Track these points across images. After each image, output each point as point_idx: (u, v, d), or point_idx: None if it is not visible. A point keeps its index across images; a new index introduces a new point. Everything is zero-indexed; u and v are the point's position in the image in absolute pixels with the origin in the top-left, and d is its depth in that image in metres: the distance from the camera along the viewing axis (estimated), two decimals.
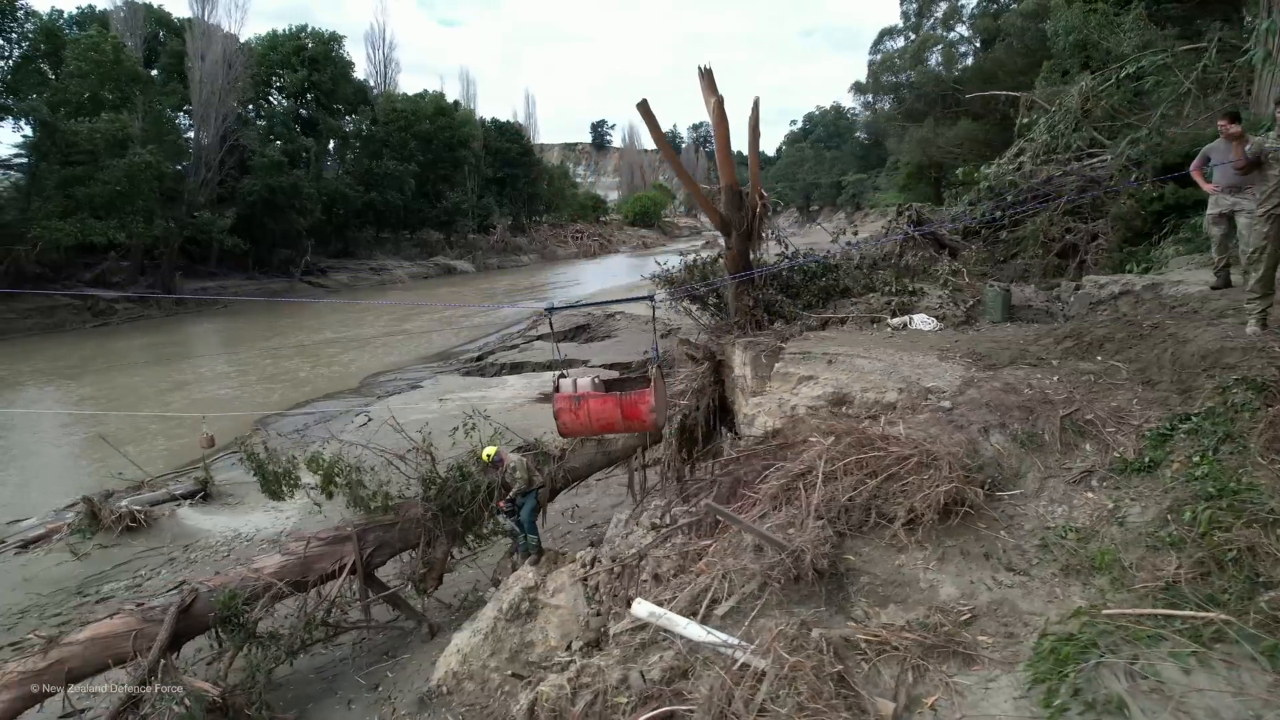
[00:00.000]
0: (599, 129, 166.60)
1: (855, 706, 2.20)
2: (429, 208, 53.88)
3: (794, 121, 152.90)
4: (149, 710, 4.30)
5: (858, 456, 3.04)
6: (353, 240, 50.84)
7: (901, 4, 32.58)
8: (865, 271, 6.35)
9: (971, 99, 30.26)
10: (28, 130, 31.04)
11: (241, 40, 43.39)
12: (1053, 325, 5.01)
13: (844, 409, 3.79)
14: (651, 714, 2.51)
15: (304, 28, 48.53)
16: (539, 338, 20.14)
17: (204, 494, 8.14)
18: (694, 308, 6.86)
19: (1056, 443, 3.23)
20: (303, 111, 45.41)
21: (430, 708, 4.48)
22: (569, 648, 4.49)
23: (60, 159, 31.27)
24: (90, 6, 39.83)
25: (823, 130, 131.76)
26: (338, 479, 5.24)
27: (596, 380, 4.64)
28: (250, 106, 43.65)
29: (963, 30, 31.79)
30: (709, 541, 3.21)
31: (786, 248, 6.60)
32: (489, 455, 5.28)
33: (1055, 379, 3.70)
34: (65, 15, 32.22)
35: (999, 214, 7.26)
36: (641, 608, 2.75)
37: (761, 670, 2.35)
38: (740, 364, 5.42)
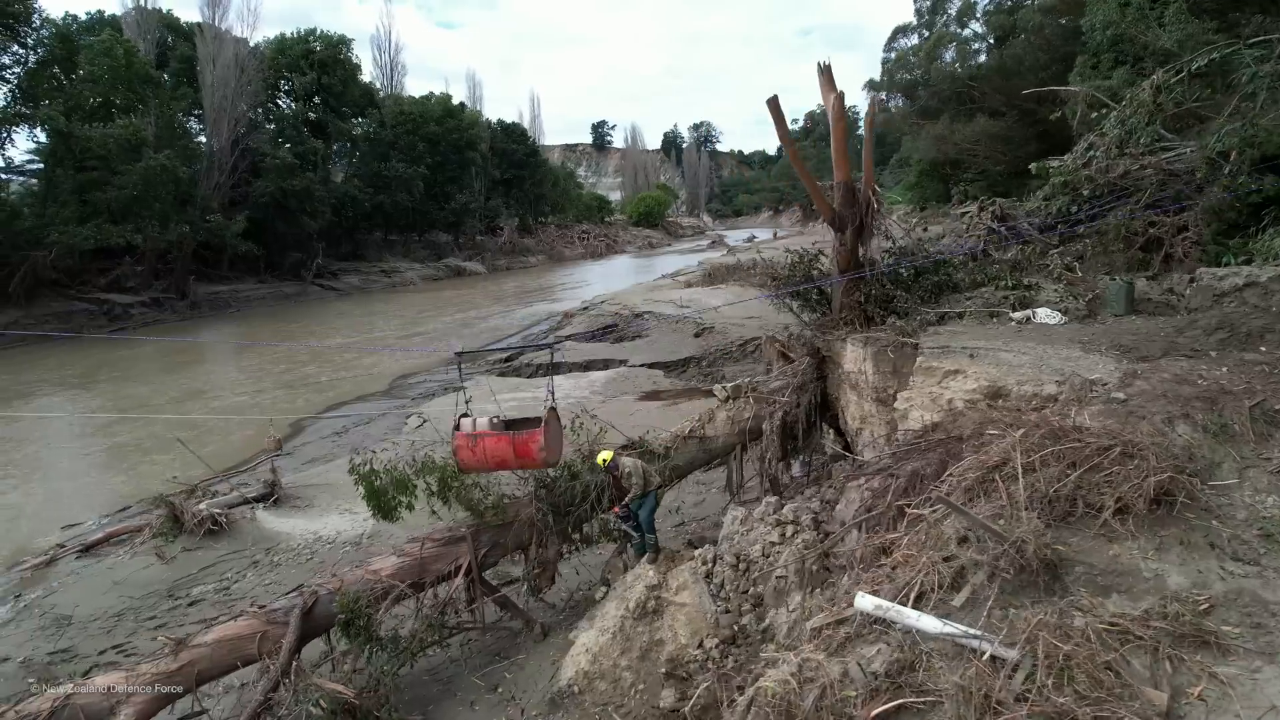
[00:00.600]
0: (599, 129, 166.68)
1: (1125, 696, 2.17)
2: (437, 210, 53.83)
3: (795, 120, 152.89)
4: (285, 712, 4.27)
5: (1054, 448, 3.01)
6: (362, 243, 50.78)
7: (915, 1, 32.60)
8: (974, 267, 6.30)
9: (984, 96, 30.27)
10: (42, 137, 31.02)
11: (251, 44, 43.38)
12: (1188, 318, 4.98)
13: (1000, 402, 3.77)
14: (885, 707, 2.48)
15: (313, 31, 48.50)
16: (568, 338, 20.09)
17: (274, 497, 8.09)
18: (795, 304, 6.80)
19: (1249, 433, 3.20)
20: (311, 115, 45.35)
21: (563, 707, 4.44)
22: (700, 645, 4.46)
23: (74, 164, 31.24)
24: (100, 11, 39.80)
25: (824, 129, 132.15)
26: (452, 483, 5.19)
27: (495, 420, 5.02)
28: (260, 110, 43.56)
29: (976, 27, 31.77)
30: (895, 535, 3.18)
31: (894, 244, 6.57)
32: (604, 460, 5.23)
33: (1224, 370, 3.68)
34: (79, 20, 32.12)
35: (1075, 209, 7.24)
36: (866, 601, 2.72)
37: (1015, 661, 2.32)
38: (854, 360, 5.39)
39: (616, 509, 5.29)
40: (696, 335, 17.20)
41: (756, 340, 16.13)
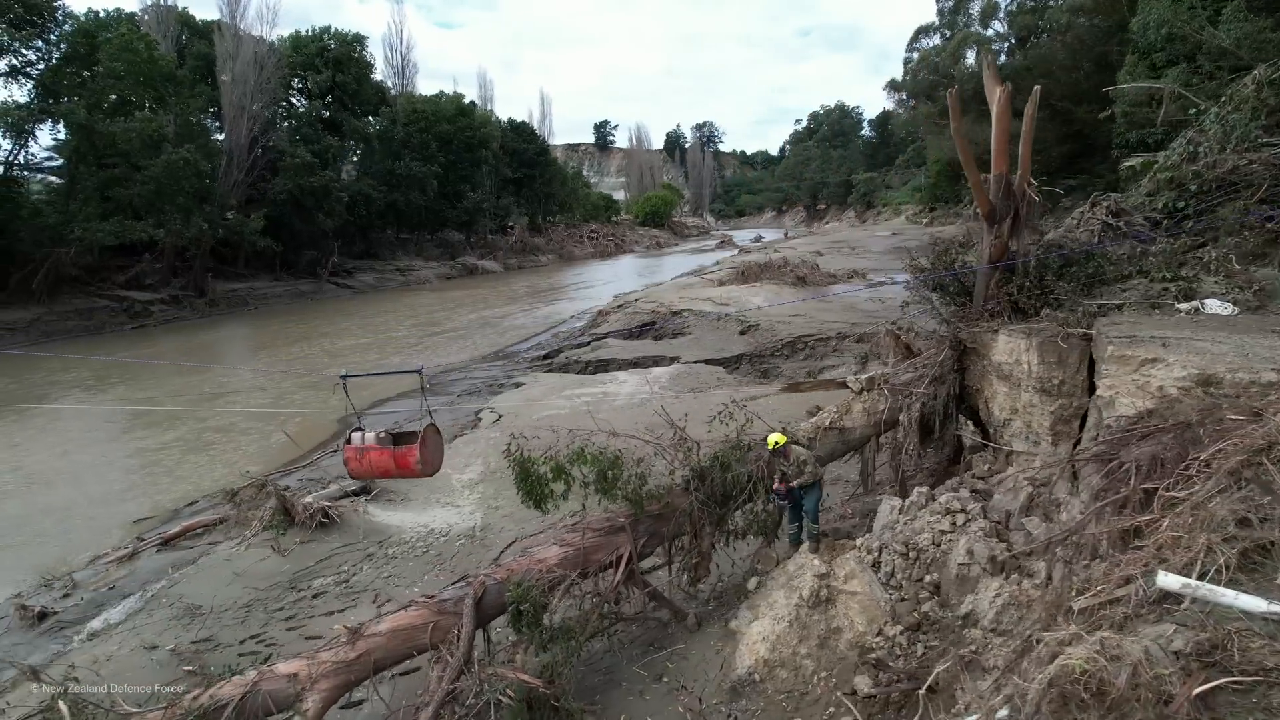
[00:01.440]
0: (602, 129, 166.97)
1: None
2: (449, 208, 53.81)
3: (799, 120, 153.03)
4: (473, 701, 4.27)
5: None
6: (375, 241, 50.75)
7: (937, 1, 32.70)
8: (1123, 260, 6.32)
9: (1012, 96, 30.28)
10: (62, 133, 30.88)
11: (268, 42, 43.27)
12: None
13: (1212, 389, 3.78)
14: (1208, 686, 2.50)
15: (327, 29, 48.46)
16: (606, 335, 20.08)
17: (372, 491, 8.08)
18: (934, 296, 6.81)
19: None
20: (325, 113, 45.28)
21: (745, 695, 4.44)
22: (880, 633, 4.47)
23: (96, 161, 31.15)
24: (118, 10, 39.66)
25: (827, 129, 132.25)
26: (610, 473, 5.18)
27: (381, 434, 5.56)
28: (276, 108, 43.47)
29: (998, 27, 31.89)
30: (1147, 517, 3.19)
31: (1042, 237, 6.59)
32: (777, 443, 5.23)
33: None
34: (99, 16, 31.99)
35: (1182, 205, 7.28)
36: (1170, 579, 2.72)
37: None
38: (1009, 351, 5.40)
39: (780, 485, 5.28)
40: (742, 333, 17.22)
41: (809, 337, 16.16)
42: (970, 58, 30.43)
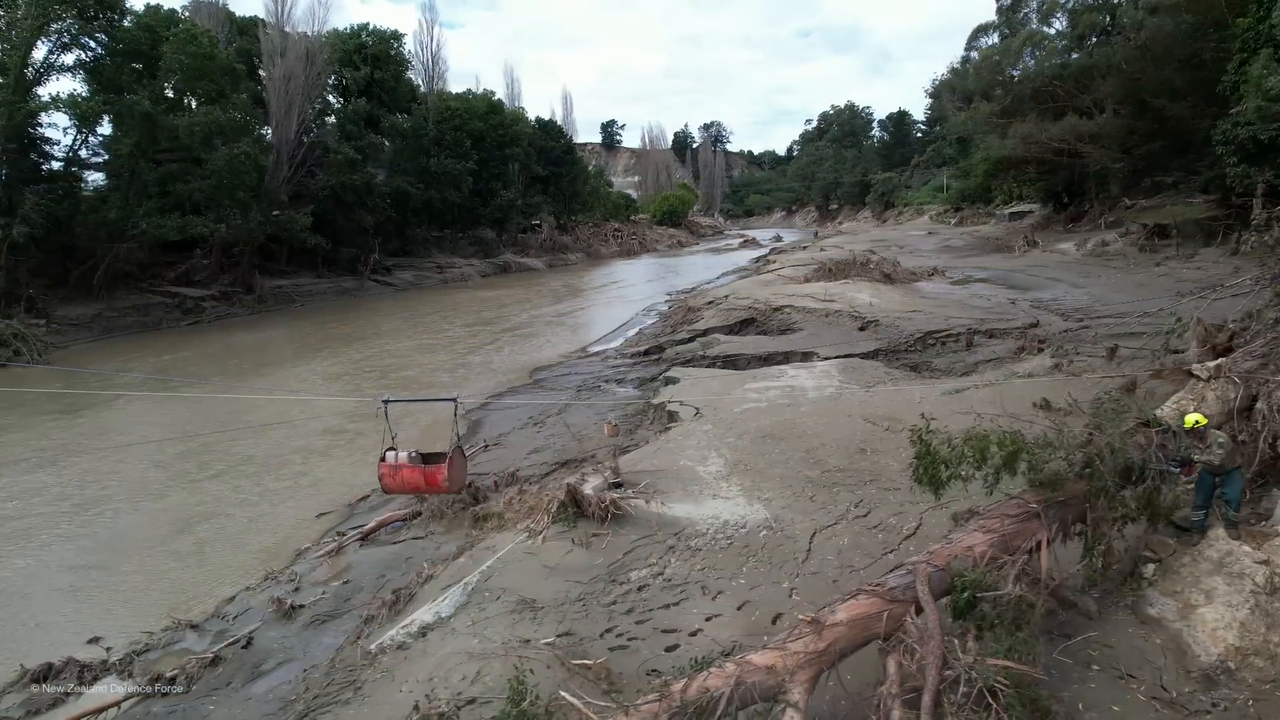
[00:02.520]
0: (609, 129, 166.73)
1: None
2: (481, 206, 53.58)
3: (809, 121, 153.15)
4: (966, 690, 4.18)
5: None
6: (411, 239, 50.51)
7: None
8: None
9: (1069, 95, 30.38)
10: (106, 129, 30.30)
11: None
12: None
13: None
14: None
15: (365, 26, 48.34)
16: (707, 331, 19.99)
17: (621, 485, 7.97)
18: None
19: None
20: (367, 110, 45.01)
21: (1220, 684, 4.38)
22: None
23: (155, 156, 30.91)
24: (159, 5, 39.35)
25: (838, 129, 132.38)
26: (1024, 456, 5.11)
27: (413, 454, 6.22)
28: (318, 105, 43.21)
29: (1059, 24, 31.93)
30: None
31: None
32: (1198, 423, 5.16)
33: None
34: (159, 9, 31.64)
35: None
36: None
37: None
38: None
39: (1188, 468, 5.23)
40: (861, 329, 17.15)
41: (939, 332, 16.10)
42: (1031, 57, 30.46)
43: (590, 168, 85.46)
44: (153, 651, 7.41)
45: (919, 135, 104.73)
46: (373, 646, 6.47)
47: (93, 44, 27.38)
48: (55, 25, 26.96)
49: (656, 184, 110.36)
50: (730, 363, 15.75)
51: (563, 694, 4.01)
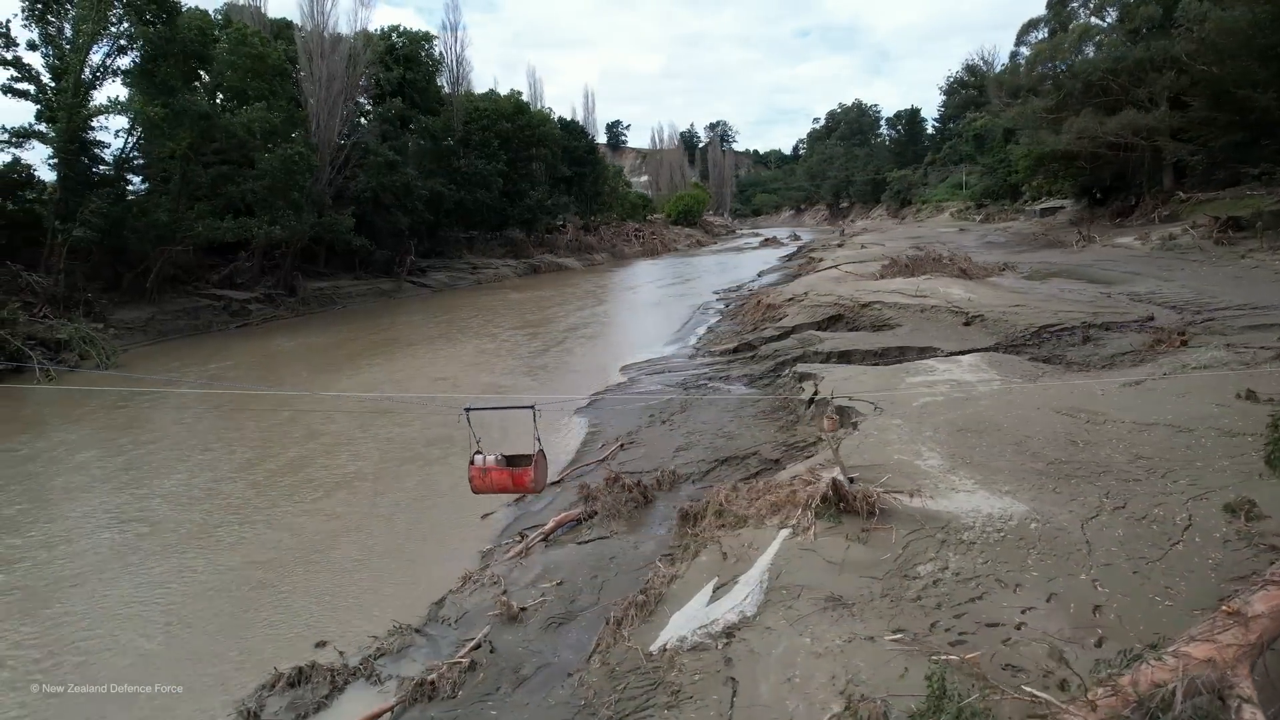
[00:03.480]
0: (614, 129, 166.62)
1: None
2: (510, 206, 53.45)
3: (816, 120, 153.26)
4: None
5: None
6: (442, 240, 50.37)
7: None
8: None
9: (1124, 89, 30.31)
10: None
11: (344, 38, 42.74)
12: None
13: None
14: None
15: (396, 27, 48.13)
16: (794, 329, 19.81)
17: (853, 479, 7.77)
18: None
19: None
20: (404, 111, 44.86)
21: None
22: None
23: (206, 158, 30.72)
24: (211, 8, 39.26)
25: (845, 127, 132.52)
26: None
27: (499, 457, 6.70)
28: (356, 105, 43.02)
29: (1110, 18, 31.83)
30: None
31: None
32: None
33: None
34: (205, 10, 31.52)
35: None
36: None
37: None
38: None
39: None
40: (966, 324, 16.99)
41: (1052, 326, 15.96)
42: (1089, 50, 30.37)
43: (612, 166, 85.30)
44: (386, 656, 7.22)
45: (932, 133, 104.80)
46: (653, 649, 6.29)
47: (149, 45, 27.06)
48: (112, 28, 26.76)
49: (671, 184, 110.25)
50: (845, 358, 15.59)
51: (1025, 688, 3.83)
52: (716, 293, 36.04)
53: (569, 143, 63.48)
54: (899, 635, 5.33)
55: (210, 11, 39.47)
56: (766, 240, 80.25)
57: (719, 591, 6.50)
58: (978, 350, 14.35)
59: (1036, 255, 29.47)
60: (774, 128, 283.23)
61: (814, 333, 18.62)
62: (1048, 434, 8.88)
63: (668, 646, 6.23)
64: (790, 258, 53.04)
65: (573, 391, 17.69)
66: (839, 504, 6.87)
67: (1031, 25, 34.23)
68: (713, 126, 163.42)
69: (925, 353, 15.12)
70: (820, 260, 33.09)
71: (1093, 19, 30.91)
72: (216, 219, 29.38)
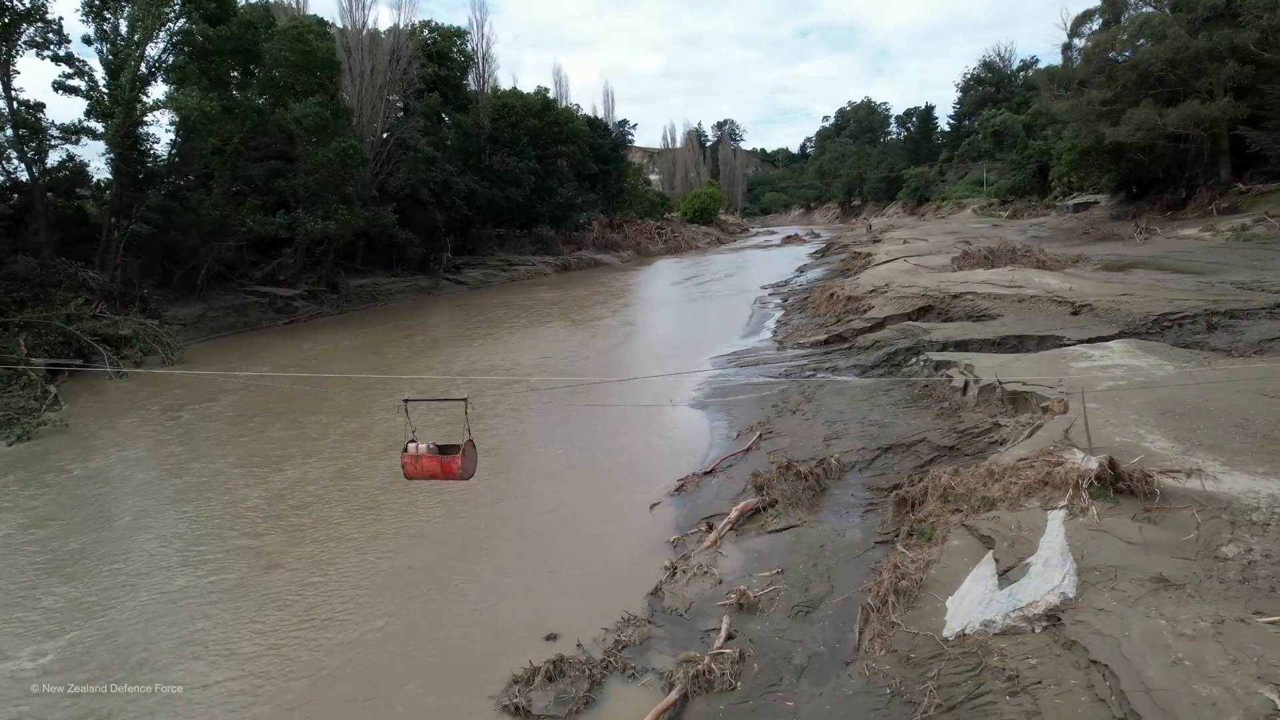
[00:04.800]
0: (620, 128, 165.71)
1: None
2: (539, 203, 53.13)
3: (826, 118, 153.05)
4: None
5: None
6: (474, 237, 50.02)
7: None
8: None
9: (1183, 80, 30.03)
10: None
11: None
12: None
13: None
14: None
15: (428, 23, 47.77)
16: (886, 320, 19.53)
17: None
18: None
19: None
20: (440, 107, 44.51)
21: None
22: None
23: (256, 154, 30.36)
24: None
25: (855, 125, 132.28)
26: None
27: (431, 445, 6.91)
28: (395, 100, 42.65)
29: (1166, 8, 31.54)
30: None
31: None
32: None
33: None
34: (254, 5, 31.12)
35: None
36: None
37: None
38: None
39: None
40: (1074, 313, 16.72)
41: (1173, 315, 15.67)
42: (1145, 40, 30.10)
43: (632, 165, 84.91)
44: (629, 649, 6.91)
45: (947, 129, 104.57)
46: (947, 634, 6.01)
47: (205, 41, 26.70)
48: (169, 25, 26.42)
49: (685, 182, 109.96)
50: (963, 347, 15.29)
51: None
52: (765, 288, 35.76)
53: (594, 140, 63.14)
54: (1276, 619, 5.03)
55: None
56: (788, 238, 79.96)
57: (1009, 575, 6.20)
58: (1105, 339, 14.05)
59: (1096, 248, 29.19)
60: (775, 127, 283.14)
61: (911, 324, 18.35)
62: (1268, 416, 8.60)
63: (967, 631, 5.93)
64: (822, 254, 52.79)
65: (671, 383, 17.33)
66: (1114, 484, 6.56)
67: (1086, 17, 34.01)
68: (720, 125, 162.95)
69: (1046, 341, 14.84)
70: (873, 256, 32.77)
71: (1151, 9, 30.61)
72: (266, 214, 29.01)
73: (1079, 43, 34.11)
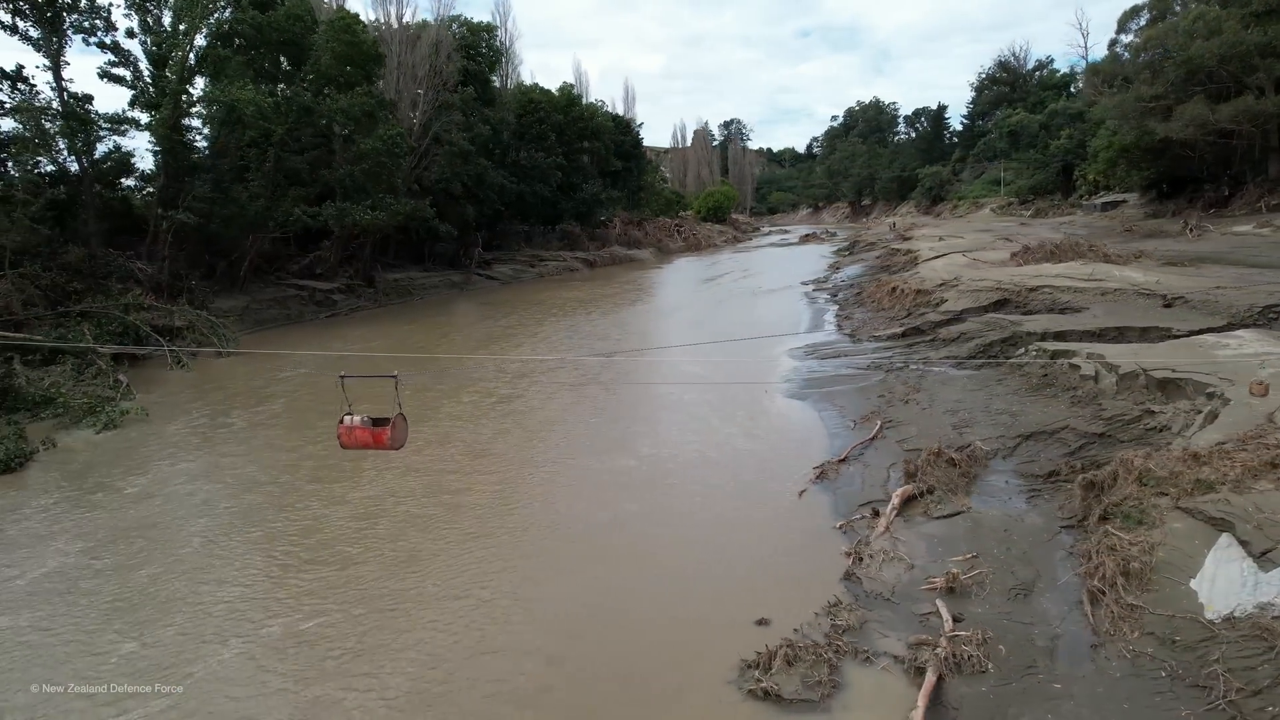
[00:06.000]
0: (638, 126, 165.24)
1: None
2: (565, 200, 52.91)
3: (835, 118, 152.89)
4: None
5: None
6: (501, 233, 49.81)
7: None
8: None
9: (1234, 76, 29.93)
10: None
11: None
12: None
13: None
14: None
15: (457, 17, 47.41)
16: (963, 312, 19.39)
17: None
18: None
19: None
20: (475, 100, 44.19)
21: None
22: None
23: (300, 145, 30.07)
24: None
25: (864, 125, 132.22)
26: None
27: (364, 418, 7.24)
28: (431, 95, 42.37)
29: (1215, 3, 31.39)
30: None
31: None
32: None
33: None
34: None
35: None
36: None
37: None
38: None
39: None
40: (1167, 306, 16.58)
41: (1275, 306, 15.55)
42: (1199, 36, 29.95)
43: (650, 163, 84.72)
44: (849, 633, 6.72)
45: (959, 129, 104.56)
46: (1210, 617, 5.85)
47: (254, 30, 26.46)
48: (216, 17, 26.18)
49: (698, 181, 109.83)
50: (1061, 338, 15.14)
51: None
52: (805, 284, 35.62)
53: (618, 136, 62.94)
54: None
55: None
56: (805, 237, 79.88)
57: (1269, 557, 6.03)
58: (1214, 330, 13.91)
59: (1145, 245, 29.07)
60: (777, 127, 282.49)
61: (995, 316, 18.19)
62: None
63: (1237, 614, 5.78)
64: (849, 252, 52.67)
65: (758, 374, 17.08)
66: None
67: (1133, 13, 33.87)
68: (727, 124, 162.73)
69: (1149, 333, 14.68)
70: (917, 252, 32.65)
71: (1203, 4, 30.44)
72: (311, 206, 28.76)
73: (1125, 39, 34.11)
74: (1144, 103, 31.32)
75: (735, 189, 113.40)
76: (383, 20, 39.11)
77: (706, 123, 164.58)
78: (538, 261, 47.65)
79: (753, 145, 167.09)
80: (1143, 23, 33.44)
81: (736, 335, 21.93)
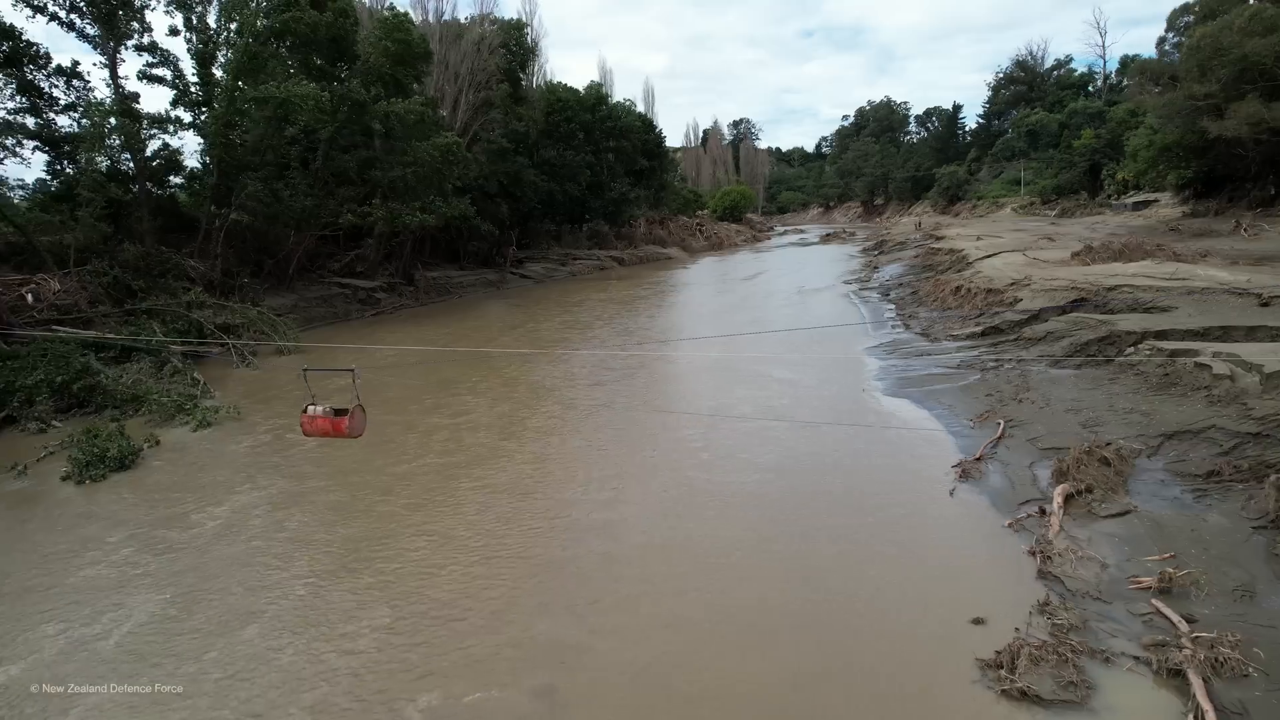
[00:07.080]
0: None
1: None
2: (594, 199, 52.78)
3: (846, 118, 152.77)
4: None
5: None
6: (531, 232, 49.69)
7: None
8: None
9: None
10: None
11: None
12: None
13: None
14: None
15: (487, 15, 47.31)
16: (1042, 310, 19.26)
17: None
18: None
19: None
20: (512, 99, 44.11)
21: None
22: None
23: (341, 145, 29.92)
24: None
25: (876, 125, 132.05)
26: None
27: (326, 408, 7.75)
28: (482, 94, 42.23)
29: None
30: None
31: None
32: None
33: None
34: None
35: None
36: None
37: None
38: None
39: None
40: (1264, 304, 16.44)
41: None
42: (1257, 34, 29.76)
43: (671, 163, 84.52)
44: (1074, 632, 6.59)
45: (974, 128, 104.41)
46: None
47: (307, 28, 26.33)
48: (271, 15, 26.05)
49: (713, 180, 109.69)
50: (1162, 337, 14.99)
51: None
52: (848, 283, 35.53)
53: (644, 135, 62.78)
54: None
55: None
56: (825, 236, 79.80)
57: None
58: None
59: (1200, 244, 28.93)
60: (781, 127, 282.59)
61: (1082, 315, 18.02)
62: None
63: None
64: (879, 250, 52.50)
65: (849, 373, 16.91)
66: None
67: (1184, 11, 33.72)
68: (736, 124, 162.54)
69: (1257, 332, 14.53)
70: (965, 251, 32.50)
71: (1257, 2, 30.32)
72: (362, 206, 28.67)
73: (1172, 37, 33.91)
74: (1195, 100, 31.13)
75: (748, 188, 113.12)
76: (421, 18, 38.95)
77: (715, 121, 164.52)
78: (570, 260, 47.56)
79: (761, 145, 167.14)
80: (1189, 20, 33.32)
81: (801, 337, 21.76)
